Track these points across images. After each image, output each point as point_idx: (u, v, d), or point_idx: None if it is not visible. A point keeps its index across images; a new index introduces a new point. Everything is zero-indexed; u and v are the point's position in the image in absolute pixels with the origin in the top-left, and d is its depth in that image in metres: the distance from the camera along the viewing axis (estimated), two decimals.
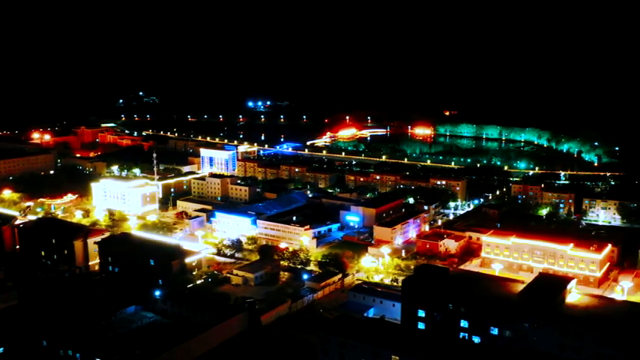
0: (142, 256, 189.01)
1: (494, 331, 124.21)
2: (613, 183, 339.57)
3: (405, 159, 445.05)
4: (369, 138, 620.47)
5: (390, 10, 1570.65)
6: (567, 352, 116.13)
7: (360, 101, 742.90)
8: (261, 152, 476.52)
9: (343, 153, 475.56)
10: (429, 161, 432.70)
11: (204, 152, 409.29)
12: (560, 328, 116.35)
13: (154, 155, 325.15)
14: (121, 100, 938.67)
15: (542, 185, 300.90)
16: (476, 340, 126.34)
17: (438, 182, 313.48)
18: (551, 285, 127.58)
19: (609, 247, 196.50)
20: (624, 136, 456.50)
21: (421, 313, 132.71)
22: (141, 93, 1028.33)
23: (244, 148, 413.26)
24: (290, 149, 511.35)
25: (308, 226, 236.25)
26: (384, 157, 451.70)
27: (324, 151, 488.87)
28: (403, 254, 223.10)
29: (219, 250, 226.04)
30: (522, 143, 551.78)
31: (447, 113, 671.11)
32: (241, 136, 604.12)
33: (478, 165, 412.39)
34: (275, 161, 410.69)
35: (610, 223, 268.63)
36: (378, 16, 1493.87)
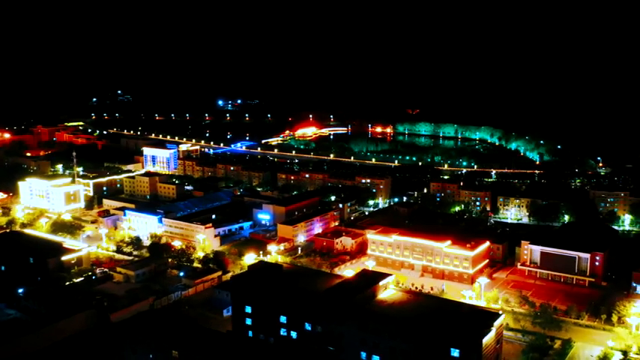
0: (23, 254, 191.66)
1: (308, 327, 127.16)
2: (537, 180, 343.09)
3: (352, 157, 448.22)
4: (332, 136, 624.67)
5: (358, 12, 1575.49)
6: (367, 347, 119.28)
7: (326, 100, 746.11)
8: (211, 151, 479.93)
9: (294, 152, 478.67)
10: (373, 159, 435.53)
11: (147, 151, 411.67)
12: (360, 324, 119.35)
13: (74, 154, 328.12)
14: (94, 99, 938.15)
15: (462, 183, 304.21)
16: (293, 335, 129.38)
17: (363, 180, 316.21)
18: (364, 281, 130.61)
19: (486, 244, 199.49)
20: (567, 135, 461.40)
21: (248, 309, 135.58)
22: (119, 92, 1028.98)
23: (186, 146, 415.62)
24: (244, 148, 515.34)
25: (210, 225, 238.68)
26: (331, 155, 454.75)
27: (276, 150, 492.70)
28: (299, 251, 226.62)
29: (119, 248, 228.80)
30: (477, 141, 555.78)
31: (410, 112, 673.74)
32: (207, 135, 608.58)
33: (420, 163, 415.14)
34: (213, 160, 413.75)
35: (520, 220, 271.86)
36: (346, 18, 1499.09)
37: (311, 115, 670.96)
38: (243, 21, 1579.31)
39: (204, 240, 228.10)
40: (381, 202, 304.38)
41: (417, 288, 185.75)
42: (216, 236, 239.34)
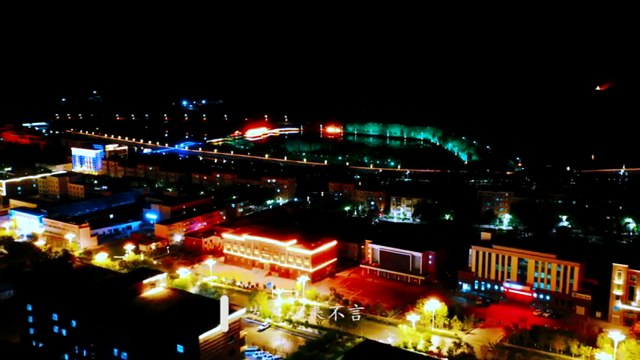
0: None
1: (74, 324, 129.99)
2: (446, 180, 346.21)
3: (285, 157, 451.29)
4: (286, 136, 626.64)
5: (315, 13, 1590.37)
6: (119, 344, 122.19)
7: (285, 100, 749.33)
8: (148, 151, 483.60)
9: (232, 152, 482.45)
10: (305, 159, 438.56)
11: (75, 151, 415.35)
12: (112, 321, 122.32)
13: None
14: (63, 99, 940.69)
15: (360, 183, 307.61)
16: (64, 332, 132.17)
17: (269, 180, 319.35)
18: (133, 278, 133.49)
19: (332, 243, 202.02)
20: (498, 136, 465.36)
21: (29, 307, 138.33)
22: (94, 92, 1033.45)
23: (113, 146, 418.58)
24: (186, 148, 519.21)
25: (86, 224, 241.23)
26: (266, 155, 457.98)
27: (215, 150, 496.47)
28: (168, 251, 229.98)
29: None
30: (421, 141, 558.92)
31: (364, 111, 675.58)
32: (166, 135, 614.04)
33: (347, 163, 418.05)
34: (142, 159, 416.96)
35: (406, 220, 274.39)
36: (304, 18, 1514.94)
37: (266, 116, 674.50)
38: (210, 22, 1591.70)
39: (74, 240, 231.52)
40: (282, 202, 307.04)
41: (252, 286, 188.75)
42: (92, 236, 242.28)
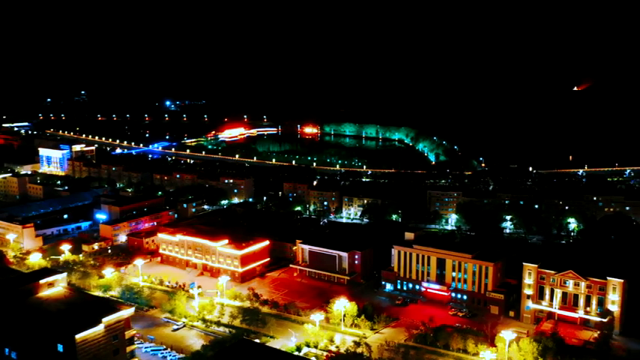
0: None
1: None
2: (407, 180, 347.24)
3: (255, 157, 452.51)
4: (265, 136, 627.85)
5: (300, 16, 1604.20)
6: (8, 343, 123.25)
7: (266, 100, 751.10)
8: (119, 151, 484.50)
9: (204, 152, 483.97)
10: (274, 160, 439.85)
11: (42, 151, 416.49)
12: (2, 320, 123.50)
13: None
14: (49, 99, 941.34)
15: (315, 183, 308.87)
16: None
17: (226, 181, 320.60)
18: (32, 278, 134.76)
19: (263, 243, 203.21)
20: (467, 136, 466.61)
21: None
22: (82, 92, 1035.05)
23: (80, 146, 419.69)
24: (160, 148, 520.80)
25: (30, 225, 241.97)
26: (237, 155, 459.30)
27: (188, 150, 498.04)
28: (109, 251, 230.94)
29: None
30: (396, 142, 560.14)
31: (343, 111, 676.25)
32: (147, 135, 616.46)
33: (314, 164, 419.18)
34: (101, 160, 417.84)
35: (356, 219, 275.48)
36: (292, 21, 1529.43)
37: (245, 116, 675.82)
38: (201, 23, 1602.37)
39: (16, 240, 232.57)
40: (236, 202, 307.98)
41: (180, 286, 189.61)
42: (39, 236, 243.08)
